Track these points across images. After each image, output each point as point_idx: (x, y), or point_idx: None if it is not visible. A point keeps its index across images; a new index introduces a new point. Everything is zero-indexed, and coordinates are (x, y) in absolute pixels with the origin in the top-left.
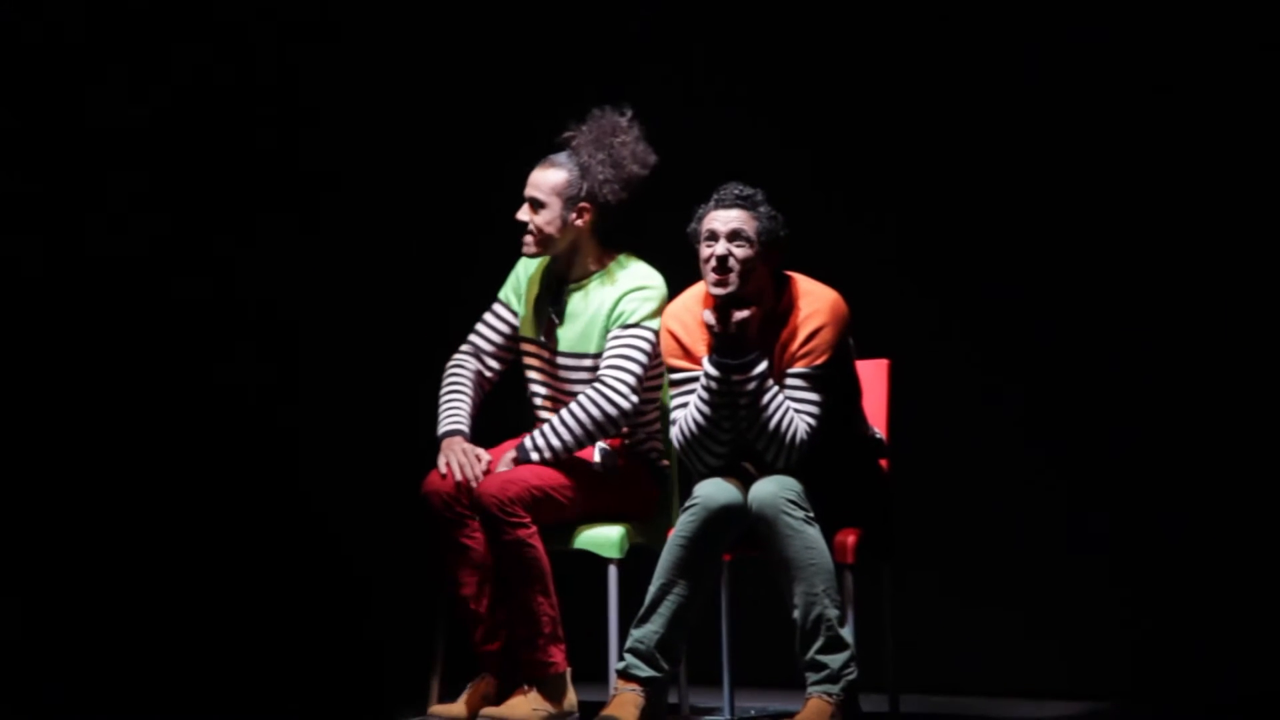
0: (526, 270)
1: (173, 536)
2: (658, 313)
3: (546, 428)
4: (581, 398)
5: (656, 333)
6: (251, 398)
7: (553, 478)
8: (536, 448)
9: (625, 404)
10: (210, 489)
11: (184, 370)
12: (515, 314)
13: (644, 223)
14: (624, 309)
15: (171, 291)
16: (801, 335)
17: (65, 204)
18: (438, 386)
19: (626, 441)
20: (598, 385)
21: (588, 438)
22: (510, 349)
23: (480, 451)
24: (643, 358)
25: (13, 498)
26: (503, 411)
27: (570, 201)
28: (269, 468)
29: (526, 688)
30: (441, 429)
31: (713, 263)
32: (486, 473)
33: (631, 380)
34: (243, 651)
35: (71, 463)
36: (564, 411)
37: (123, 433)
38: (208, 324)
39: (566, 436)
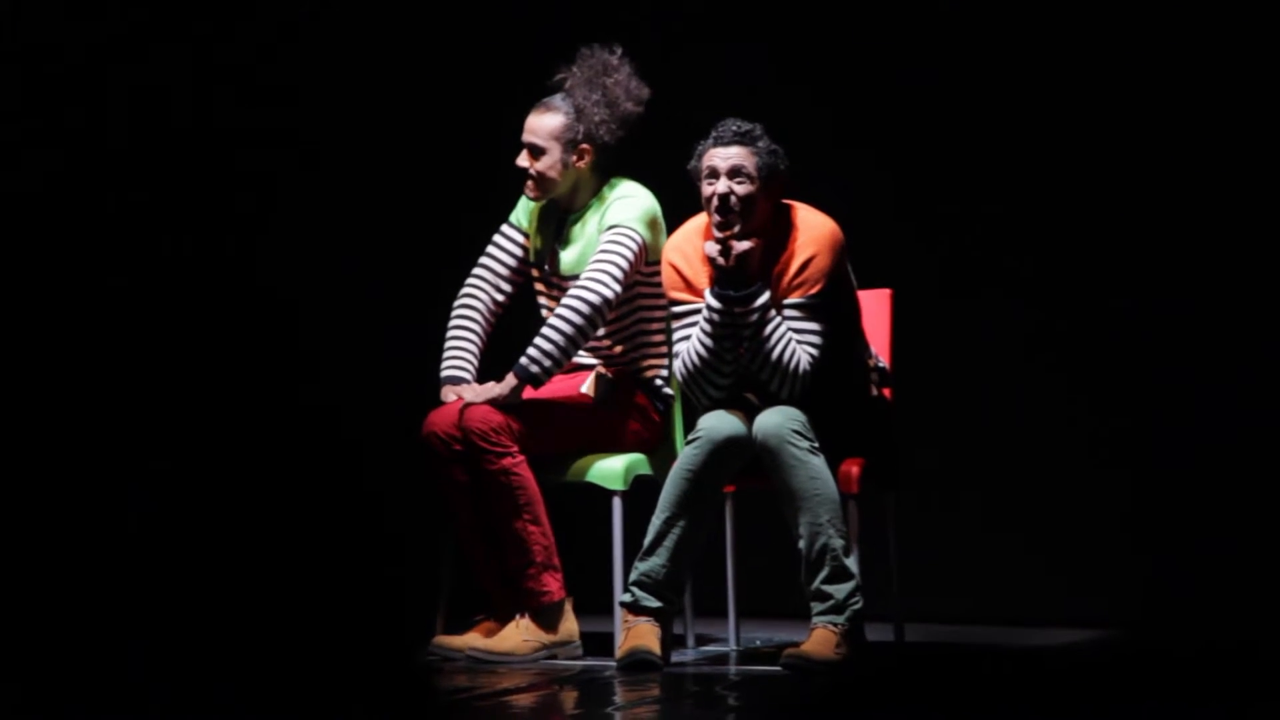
0: None
1: (193, 475)
2: (644, 218)
3: (537, 338)
4: (564, 299)
5: (641, 233)
6: (270, 329)
7: (542, 407)
8: (533, 360)
9: (607, 291)
10: (230, 424)
11: (207, 309)
12: (525, 236)
13: (642, 159)
14: (609, 216)
15: (187, 221)
16: (795, 265)
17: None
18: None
19: (627, 368)
20: (578, 280)
21: (579, 333)
22: (521, 272)
23: (490, 385)
24: (625, 251)
25: (47, 433)
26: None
27: (570, 145)
28: (288, 399)
29: (520, 617)
30: (444, 372)
31: (715, 201)
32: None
33: (613, 270)
34: (258, 586)
35: (93, 421)
36: (550, 318)
37: (151, 375)
38: (225, 261)
39: (558, 338)
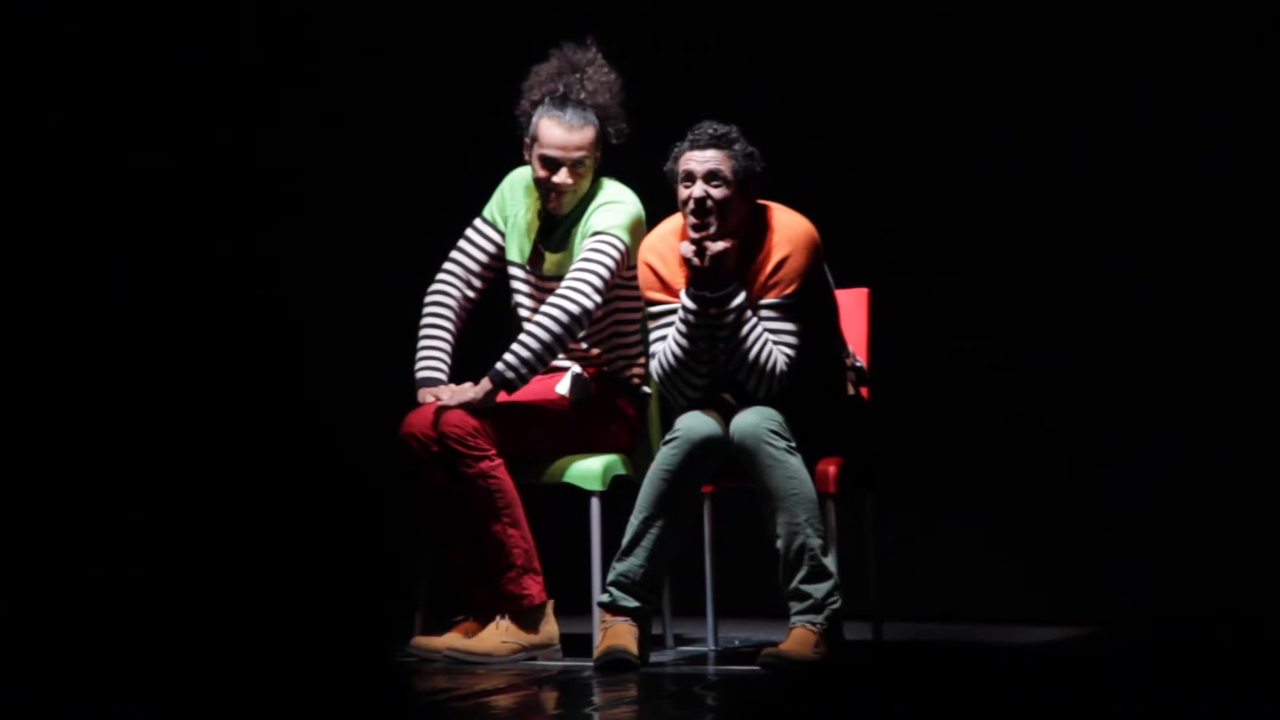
0: (513, 190)
1: (176, 468)
2: (629, 225)
3: (515, 345)
4: (544, 306)
5: (625, 241)
6: (254, 316)
7: (519, 409)
8: (510, 366)
9: (587, 302)
10: (214, 424)
11: (185, 290)
12: (500, 234)
13: (620, 159)
14: (593, 221)
15: (179, 208)
16: (771, 265)
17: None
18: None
19: (604, 369)
20: (558, 289)
21: (556, 342)
22: (493, 268)
23: (466, 387)
24: (607, 260)
25: (43, 433)
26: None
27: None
28: (271, 397)
29: (500, 618)
30: (419, 374)
31: (691, 205)
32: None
33: (594, 280)
34: (237, 585)
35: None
36: (528, 325)
37: (133, 363)
38: (211, 247)
39: (535, 346)
